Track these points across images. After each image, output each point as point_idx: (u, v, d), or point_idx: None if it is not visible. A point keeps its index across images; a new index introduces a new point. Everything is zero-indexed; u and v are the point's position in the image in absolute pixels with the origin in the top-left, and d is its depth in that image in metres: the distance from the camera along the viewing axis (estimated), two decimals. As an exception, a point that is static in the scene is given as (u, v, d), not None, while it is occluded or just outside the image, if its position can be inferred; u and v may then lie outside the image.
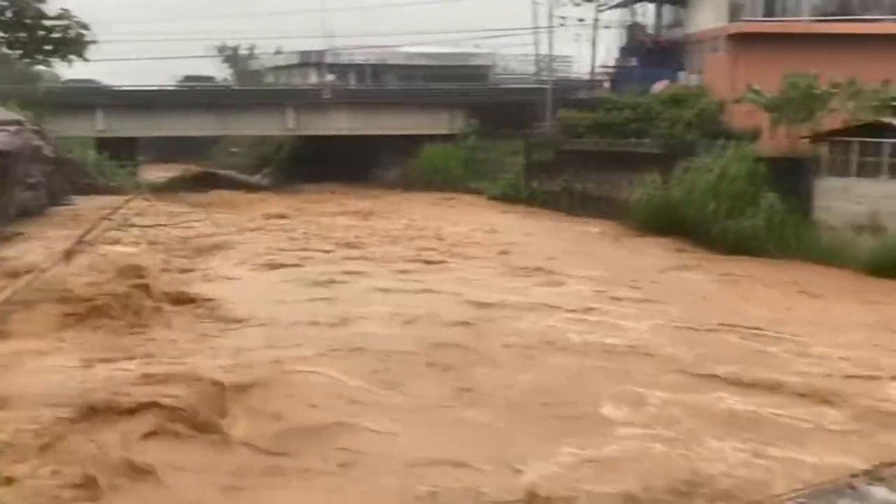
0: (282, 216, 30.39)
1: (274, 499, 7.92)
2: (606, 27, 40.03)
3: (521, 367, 11.97)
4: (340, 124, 40.56)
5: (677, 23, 36.77)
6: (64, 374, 10.63)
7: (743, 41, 30.27)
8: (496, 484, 7.99)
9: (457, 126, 40.03)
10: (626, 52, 38.82)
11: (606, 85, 38.61)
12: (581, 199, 31.03)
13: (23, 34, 28.49)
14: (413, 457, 8.71)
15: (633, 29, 38.63)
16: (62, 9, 28.96)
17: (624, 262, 21.84)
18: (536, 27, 40.09)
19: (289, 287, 17.62)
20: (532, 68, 44.09)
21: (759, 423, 10.02)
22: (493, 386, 11.10)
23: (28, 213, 25.12)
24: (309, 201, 35.34)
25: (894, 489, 1.25)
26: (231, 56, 61.06)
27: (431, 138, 39.36)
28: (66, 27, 28.74)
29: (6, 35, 28.82)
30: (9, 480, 7.59)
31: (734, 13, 31.36)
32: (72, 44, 28.89)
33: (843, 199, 22.29)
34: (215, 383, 10.28)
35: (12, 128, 25.33)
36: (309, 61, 49.31)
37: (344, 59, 48.00)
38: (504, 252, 22.93)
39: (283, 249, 22.78)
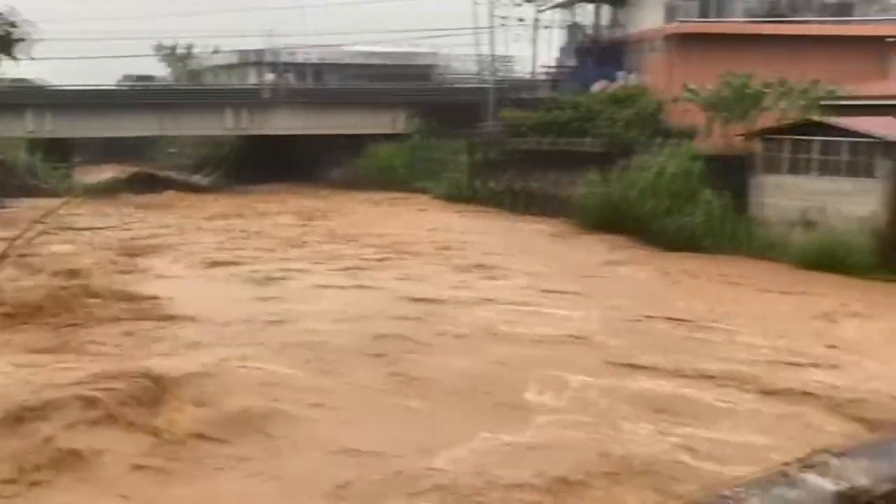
0: (224, 216, 30.46)
1: (203, 484, 8.28)
2: (547, 27, 40.83)
3: (454, 355, 12.47)
4: (286, 124, 40.63)
5: (618, 23, 37.66)
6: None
7: (681, 41, 31.19)
8: (412, 469, 8.42)
9: (403, 125, 40.45)
10: (567, 52, 39.64)
11: (550, 85, 39.34)
12: (527, 198, 31.67)
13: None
14: (337, 443, 9.12)
15: (575, 29, 39.45)
16: None
17: (565, 259, 22.48)
18: (477, 27, 40.70)
19: (229, 285, 17.87)
20: (483, 68, 44.69)
21: (678, 407, 10.62)
22: (425, 374, 11.57)
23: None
24: (254, 201, 35.42)
25: (825, 475, 1.54)
26: (173, 55, 60.59)
27: (379, 137, 39.69)
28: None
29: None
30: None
31: (670, 14, 32.33)
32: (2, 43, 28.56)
33: (777, 196, 23.18)
34: (150, 377, 10.53)
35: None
36: (253, 60, 49.25)
37: (288, 58, 48.02)
38: (447, 249, 23.40)
39: (224, 249, 22.94)
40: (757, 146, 24.02)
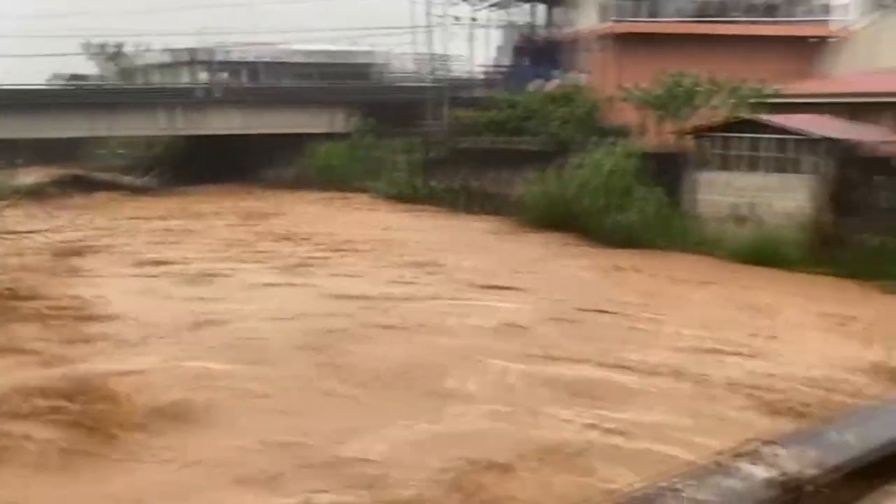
0: (160, 218, 30.01)
1: (128, 473, 8.56)
2: (485, 27, 41.01)
3: (387, 348, 12.80)
4: (228, 123, 40.06)
5: (564, 22, 37.99)
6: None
7: (622, 41, 31.70)
8: (329, 455, 8.79)
9: (348, 124, 40.26)
10: (504, 51, 39.90)
11: (486, 84, 39.52)
12: (475, 197, 31.83)
13: None
14: (261, 432, 9.44)
15: (519, 28, 39.73)
16: None
17: (509, 256, 22.70)
18: (414, 26, 40.68)
19: (162, 285, 17.77)
20: (424, 67, 44.64)
21: (600, 392, 11.07)
22: (356, 366, 11.89)
23: None
24: (191, 202, 34.92)
25: (758, 463, 1.56)
26: (112, 54, 59.03)
27: (320, 137, 39.36)
28: None
29: None
30: None
31: (603, 14, 32.76)
32: None
33: (718, 192, 23.71)
34: (81, 375, 10.55)
35: None
36: (195, 59, 48.34)
37: (231, 57, 47.31)
38: (388, 248, 23.47)
39: (158, 250, 22.66)
40: (690, 144, 24.50)
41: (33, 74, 49.89)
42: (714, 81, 26.11)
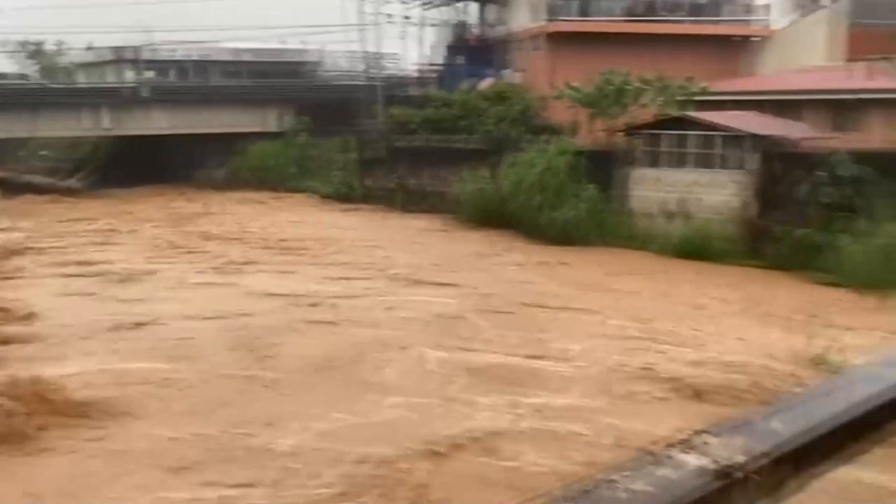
0: (87, 220, 29.33)
1: (49, 465, 8.66)
2: (418, 25, 41.02)
3: (313, 342, 12.89)
4: (159, 123, 39.23)
5: (500, 21, 38.20)
6: None
7: (554, 40, 32.08)
8: (251, 453, 8.88)
9: (281, 123, 39.80)
10: (439, 50, 39.95)
11: (420, 82, 39.52)
12: (414, 196, 31.83)
13: None
14: (188, 424, 9.57)
15: (453, 27, 39.79)
16: None
17: (446, 253, 22.80)
18: (347, 24, 40.42)
19: (87, 287, 17.53)
20: (358, 65, 44.36)
21: (521, 379, 11.35)
22: (282, 360, 11.99)
23: None
24: (121, 204, 34.17)
25: (697, 453, 1.57)
26: (33, 52, 57.11)
27: (254, 136, 38.81)
28: None
29: None
30: None
31: (535, 13, 33.08)
32: None
33: (653, 189, 24.18)
34: (8, 376, 10.44)
35: None
36: (121, 57, 47.05)
37: (159, 56, 46.24)
38: (328, 247, 23.37)
39: (87, 252, 22.11)
40: (635, 141, 24.85)
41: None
42: (644, 80, 26.59)
